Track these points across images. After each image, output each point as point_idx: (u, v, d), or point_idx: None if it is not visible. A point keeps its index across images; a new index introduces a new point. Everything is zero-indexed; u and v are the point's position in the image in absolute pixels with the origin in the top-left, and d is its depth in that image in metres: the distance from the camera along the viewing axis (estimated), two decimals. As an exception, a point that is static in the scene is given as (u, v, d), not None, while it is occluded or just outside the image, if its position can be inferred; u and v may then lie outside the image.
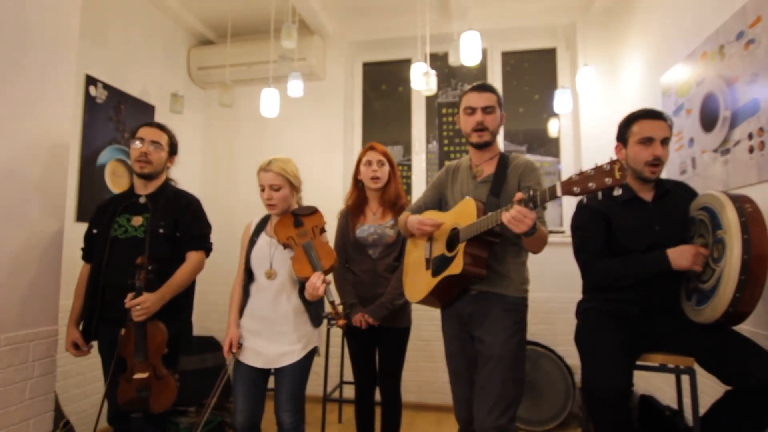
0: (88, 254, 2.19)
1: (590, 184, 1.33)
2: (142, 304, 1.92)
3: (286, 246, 1.94)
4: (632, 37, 3.28)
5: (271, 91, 3.38)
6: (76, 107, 2.93)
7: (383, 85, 4.29)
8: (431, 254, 1.94)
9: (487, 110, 1.85)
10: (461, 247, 1.74)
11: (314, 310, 1.97)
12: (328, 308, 1.94)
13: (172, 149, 2.24)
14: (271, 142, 4.09)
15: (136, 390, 1.93)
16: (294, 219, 1.98)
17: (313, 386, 3.59)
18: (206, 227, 2.24)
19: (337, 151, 3.99)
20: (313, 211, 2.02)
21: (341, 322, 1.79)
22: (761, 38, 1.87)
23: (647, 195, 1.91)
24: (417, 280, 2.01)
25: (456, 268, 1.74)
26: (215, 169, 4.18)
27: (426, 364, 3.58)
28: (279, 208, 1.99)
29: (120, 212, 2.12)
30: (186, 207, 2.18)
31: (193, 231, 2.16)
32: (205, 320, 3.81)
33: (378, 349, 2.37)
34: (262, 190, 1.98)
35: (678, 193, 1.91)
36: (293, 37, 3.02)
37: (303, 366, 1.94)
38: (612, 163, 1.31)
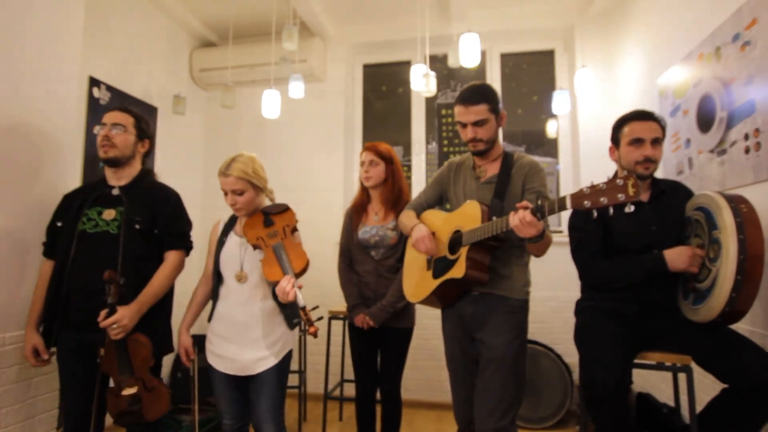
0: (50, 249, 1.94)
1: (602, 199, 1.31)
2: (118, 323, 1.73)
3: (256, 247, 1.82)
4: (630, 39, 3.29)
5: (272, 93, 3.38)
6: (80, 109, 2.93)
7: (383, 86, 4.28)
8: (433, 256, 1.93)
9: (477, 123, 1.79)
10: (464, 251, 1.72)
11: (289, 311, 1.85)
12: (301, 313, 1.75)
13: (141, 133, 2.02)
14: (273, 143, 4.09)
15: (128, 404, 1.80)
16: (264, 218, 1.86)
17: (314, 384, 3.62)
18: (187, 224, 2.05)
19: (338, 152, 3.99)
20: (284, 209, 1.90)
21: (312, 329, 1.61)
22: (757, 40, 1.88)
23: (643, 195, 1.90)
24: (417, 281, 1.99)
25: (458, 272, 1.73)
26: (217, 171, 4.17)
27: (426, 363, 3.58)
28: (246, 211, 1.87)
29: (90, 204, 1.90)
30: (165, 201, 1.99)
31: (172, 228, 1.97)
32: (203, 318, 3.80)
33: (380, 350, 2.37)
34: (225, 194, 1.85)
35: (674, 193, 1.91)
36: (294, 39, 3.02)
37: (281, 370, 1.82)
38: (626, 178, 1.28)
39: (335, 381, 3.46)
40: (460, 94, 1.82)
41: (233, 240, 1.90)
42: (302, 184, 3.94)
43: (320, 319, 1.68)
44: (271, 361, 1.81)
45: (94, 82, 3.02)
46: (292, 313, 1.84)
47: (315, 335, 1.59)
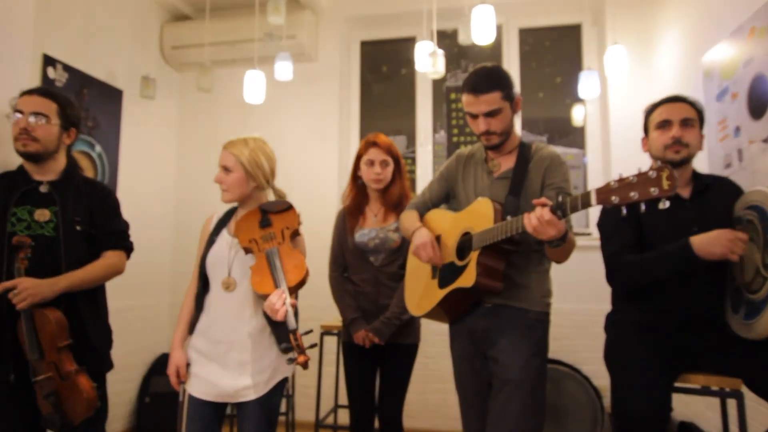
0: None
1: (632, 194, 1.30)
2: (19, 286, 1.74)
3: (248, 251, 1.78)
4: (670, 11, 3.26)
5: (255, 74, 3.37)
6: (33, 92, 2.92)
7: (384, 66, 4.27)
8: (437, 264, 1.91)
9: (489, 114, 1.78)
10: (474, 255, 1.72)
11: (284, 331, 1.72)
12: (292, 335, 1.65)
13: (67, 121, 1.99)
14: (256, 131, 4.03)
15: (44, 397, 1.79)
16: (261, 216, 1.83)
17: (305, 410, 3.60)
18: (125, 224, 2.11)
19: (332, 142, 3.98)
20: (286, 208, 1.85)
21: (301, 359, 1.54)
22: (818, 11, 1.85)
23: (684, 191, 1.89)
24: (420, 291, 1.99)
25: (467, 280, 1.72)
26: (192, 163, 4.15)
27: (432, 386, 3.56)
28: (232, 195, 1.84)
29: (16, 202, 1.88)
30: (103, 199, 2.05)
31: (111, 227, 2.02)
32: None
33: (379, 369, 2.36)
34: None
35: (719, 189, 1.90)
36: (281, 12, 3.00)
37: (270, 403, 1.77)
38: (659, 169, 1.28)
39: (328, 407, 3.44)
40: (468, 81, 1.81)
41: (224, 239, 1.86)
42: (291, 179, 3.85)
43: (313, 346, 1.61)
44: (259, 391, 1.75)
45: (48, 61, 3.00)
46: (282, 335, 1.70)
47: (305, 366, 1.53)
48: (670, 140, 1.84)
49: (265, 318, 1.74)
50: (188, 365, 1.82)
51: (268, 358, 1.78)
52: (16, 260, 1.79)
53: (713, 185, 1.90)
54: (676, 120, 1.85)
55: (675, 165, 1.84)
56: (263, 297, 1.67)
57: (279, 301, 1.60)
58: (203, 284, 1.84)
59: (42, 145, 1.92)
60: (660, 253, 1.77)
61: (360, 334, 2.28)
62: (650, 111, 1.95)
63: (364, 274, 2.35)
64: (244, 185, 1.84)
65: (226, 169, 1.83)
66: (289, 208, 1.86)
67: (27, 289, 1.77)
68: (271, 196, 1.95)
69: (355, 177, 2.45)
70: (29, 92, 1.97)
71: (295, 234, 1.83)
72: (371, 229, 2.35)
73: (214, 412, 1.79)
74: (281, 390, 1.83)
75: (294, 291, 1.69)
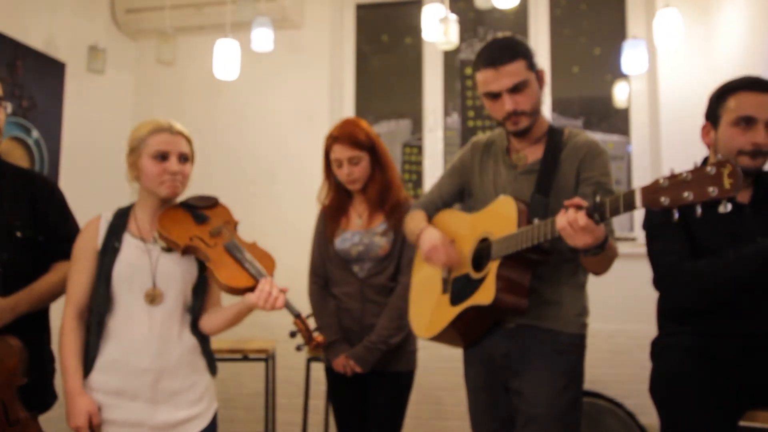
0: None
1: (685, 194, 1.30)
2: None
3: (188, 250, 1.81)
4: (733, -32, 3.26)
5: (228, 43, 3.38)
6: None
7: (384, 35, 4.28)
8: (450, 272, 1.93)
9: (516, 89, 1.77)
10: (493, 266, 1.72)
11: (209, 350, 1.88)
12: (290, 325, 1.86)
13: None
14: (230, 112, 4.08)
15: None
16: (191, 213, 1.89)
17: (288, 451, 3.60)
18: (76, 226, 2.07)
19: (320, 126, 3.95)
20: (214, 203, 1.95)
21: (319, 338, 1.75)
22: None
23: (743, 195, 1.89)
24: (428, 308, 2.00)
25: (485, 296, 1.72)
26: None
27: (441, 423, 3.56)
28: (182, 189, 1.90)
29: None
30: (48, 196, 2.03)
31: (63, 231, 2.00)
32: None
33: (370, 402, 2.36)
34: (165, 158, 1.83)
35: None
36: (259, -32, 3.00)
37: None
38: (719, 165, 1.27)
39: (315, 447, 3.45)
40: (483, 55, 1.81)
41: (131, 245, 1.84)
42: (271, 171, 3.92)
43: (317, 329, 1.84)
44: (202, 423, 1.79)
45: (-24, 27, 3.01)
46: (211, 353, 1.89)
47: (322, 345, 1.75)
48: (750, 146, 1.79)
49: (194, 334, 1.84)
50: None
51: (202, 383, 1.84)
52: None
53: None
54: (762, 120, 1.79)
55: (748, 174, 1.83)
56: (238, 292, 1.75)
57: (274, 289, 1.70)
58: (103, 305, 1.79)
59: None
60: (733, 257, 1.75)
61: (339, 360, 2.30)
62: (723, 94, 1.88)
63: (347, 288, 2.37)
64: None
65: (183, 158, 1.86)
66: (218, 203, 1.98)
67: None
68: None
69: (330, 174, 2.45)
70: None
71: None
72: (354, 233, 2.37)
73: None
74: (216, 420, 1.88)
75: None
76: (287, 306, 1.73)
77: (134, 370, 1.75)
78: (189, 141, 1.89)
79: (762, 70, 2.66)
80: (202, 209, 1.92)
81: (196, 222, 1.87)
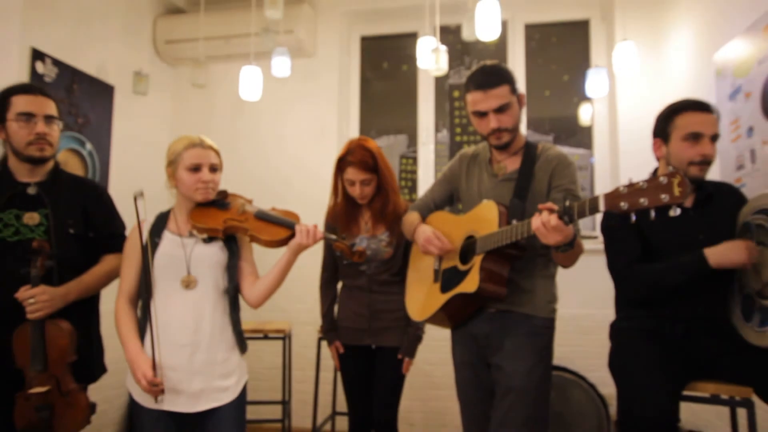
0: None
1: (642, 200, 1.31)
2: (37, 296, 1.76)
3: (228, 231, 1.84)
4: (681, 7, 3.26)
5: (252, 70, 3.37)
6: (22, 87, 2.92)
7: (384, 63, 4.28)
8: (441, 264, 1.93)
9: (500, 110, 1.78)
10: (477, 260, 1.73)
11: (239, 329, 1.88)
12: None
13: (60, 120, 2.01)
14: (252, 129, 4.07)
15: (35, 409, 1.75)
16: (214, 205, 1.91)
17: (301, 417, 3.60)
18: (122, 224, 2.11)
19: (330, 140, 3.97)
20: (226, 194, 1.97)
21: (360, 248, 1.89)
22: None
23: (688, 200, 1.90)
24: (422, 295, 2.00)
25: (470, 285, 1.73)
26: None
27: (433, 392, 3.57)
28: (213, 194, 1.90)
29: (2, 206, 1.88)
30: (97, 199, 2.06)
31: (111, 228, 2.03)
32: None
33: (374, 373, 2.37)
34: (198, 169, 1.84)
35: (723, 197, 1.91)
36: (279, 6, 3.01)
37: (243, 408, 1.83)
38: (670, 175, 1.28)
39: (326, 413, 3.44)
40: (473, 79, 1.81)
41: (169, 240, 1.86)
42: (287, 180, 3.93)
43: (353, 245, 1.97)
44: (229, 395, 1.79)
45: (37, 55, 3.01)
46: (241, 333, 1.88)
47: (363, 255, 1.89)
48: (699, 157, 1.81)
49: (229, 312, 1.85)
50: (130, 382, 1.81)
51: (233, 360, 1.84)
52: (33, 266, 1.78)
53: (716, 193, 1.91)
54: (708, 135, 1.81)
55: (695, 182, 1.85)
56: (283, 243, 1.81)
57: (310, 227, 1.77)
58: (145, 291, 1.81)
59: (55, 149, 1.96)
60: (673, 263, 1.78)
61: (332, 347, 2.43)
62: (670, 114, 1.89)
63: (358, 282, 2.39)
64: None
65: (213, 168, 1.89)
66: (228, 192, 1.99)
67: (45, 299, 1.78)
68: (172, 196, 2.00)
69: (339, 188, 2.42)
70: (28, 91, 1.93)
71: None
72: (362, 238, 2.37)
73: (178, 424, 1.77)
74: (246, 394, 1.87)
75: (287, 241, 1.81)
76: (325, 236, 1.82)
77: (174, 345, 1.76)
78: (218, 153, 1.91)
79: (705, 93, 2.68)
80: (221, 199, 1.95)
81: (221, 209, 1.90)
